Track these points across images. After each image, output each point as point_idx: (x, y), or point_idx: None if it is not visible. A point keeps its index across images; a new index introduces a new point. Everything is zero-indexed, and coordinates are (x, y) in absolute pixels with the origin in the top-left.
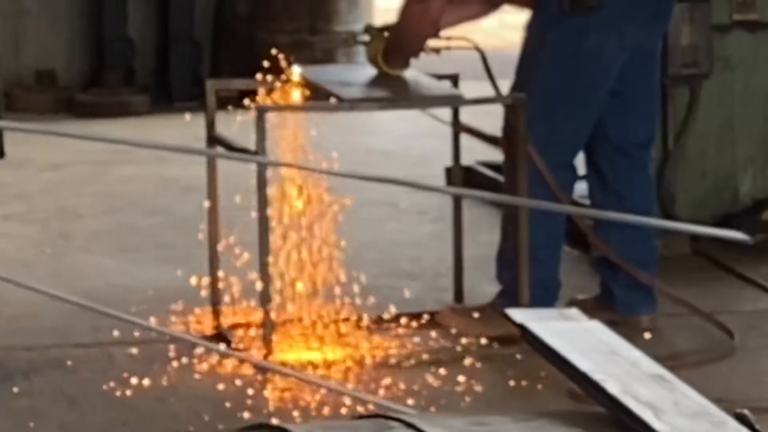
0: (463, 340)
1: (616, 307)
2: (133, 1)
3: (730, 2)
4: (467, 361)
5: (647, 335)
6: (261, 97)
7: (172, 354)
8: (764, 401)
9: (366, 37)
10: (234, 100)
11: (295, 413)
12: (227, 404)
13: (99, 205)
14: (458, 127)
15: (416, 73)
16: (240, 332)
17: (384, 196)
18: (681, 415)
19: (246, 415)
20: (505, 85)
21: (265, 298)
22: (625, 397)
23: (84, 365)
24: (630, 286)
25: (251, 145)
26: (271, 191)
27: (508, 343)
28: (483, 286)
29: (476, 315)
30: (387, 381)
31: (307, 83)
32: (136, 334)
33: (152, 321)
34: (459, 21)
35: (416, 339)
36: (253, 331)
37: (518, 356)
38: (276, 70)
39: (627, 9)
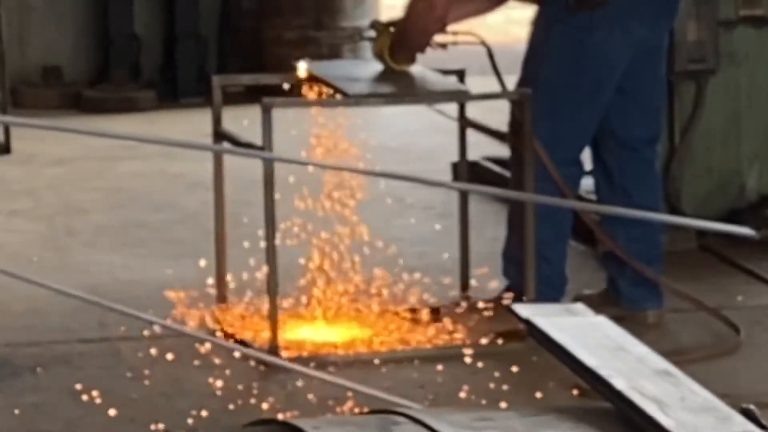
0: (470, 336)
1: (623, 302)
2: None
3: None
4: (473, 356)
5: (653, 330)
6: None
7: (178, 349)
8: None
9: (372, 33)
10: (240, 96)
11: (302, 409)
12: (233, 400)
13: (105, 201)
14: (464, 123)
15: (422, 68)
16: (246, 327)
17: (390, 192)
18: (687, 410)
19: (252, 410)
20: (511, 81)
21: (271, 294)
22: (631, 393)
23: (90, 361)
24: (636, 282)
25: (257, 140)
26: (278, 187)
27: (515, 338)
28: (489, 282)
29: (482, 310)
30: (393, 376)
31: (313, 79)
32: (143, 329)
33: (158, 316)
34: (465, 16)
35: (422, 334)
36: (259, 327)
37: (524, 351)
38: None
39: (632, 5)
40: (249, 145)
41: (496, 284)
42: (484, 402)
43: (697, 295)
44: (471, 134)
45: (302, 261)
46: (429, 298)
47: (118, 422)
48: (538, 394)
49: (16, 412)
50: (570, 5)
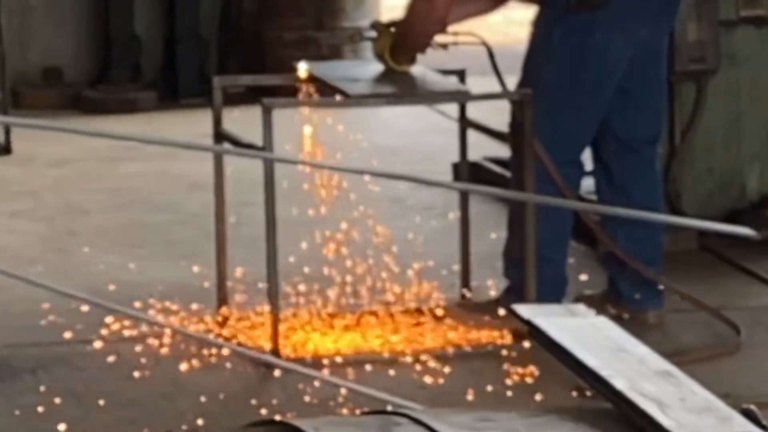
0: (470, 337)
1: (623, 303)
2: None
3: None
4: (474, 357)
5: (653, 331)
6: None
7: (178, 351)
8: None
9: (373, 33)
10: (241, 97)
11: (302, 410)
12: (234, 401)
13: (106, 202)
14: (465, 123)
15: (423, 68)
16: (247, 328)
17: (390, 192)
18: (687, 411)
19: (253, 411)
20: (512, 81)
21: (272, 295)
22: (631, 393)
23: (91, 362)
24: (637, 282)
25: (258, 141)
26: (279, 188)
27: (515, 339)
28: (490, 283)
29: (483, 311)
30: (393, 377)
31: (314, 79)
32: (143, 330)
33: (159, 317)
34: (465, 17)
35: (423, 335)
36: (259, 328)
37: (525, 352)
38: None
39: (633, 5)
40: (250, 146)
41: (497, 285)
42: (484, 402)
43: (697, 295)
44: (471, 135)
45: (303, 262)
46: (429, 299)
47: (119, 424)
48: (539, 395)
49: (17, 413)
50: (571, 6)
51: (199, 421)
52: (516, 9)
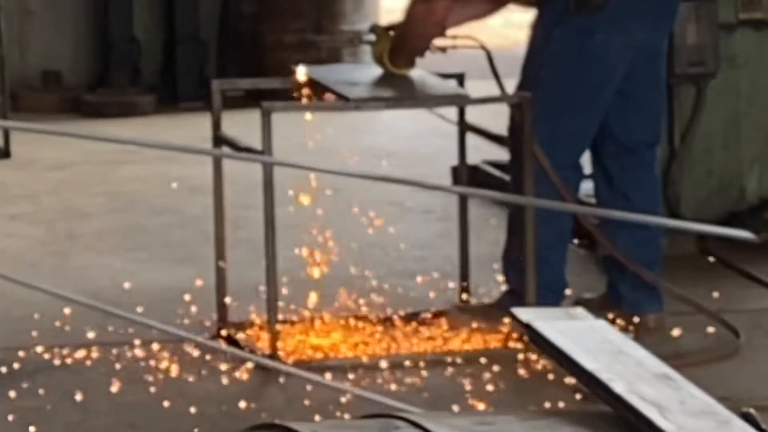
0: (470, 340)
1: (623, 305)
2: (139, 2)
3: (735, 1)
4: (473, 360)
5: (652, 334)
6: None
7: (178, 354)
8: None
9: (372, 37)
10: (240, 100)
11: (301, 413)
12: (233, 404)
13: (105, 205)
14: (464, 126)
15: (422, 72)
16: (246, 332)
17: (390, 196)
18: (687, 414)
19: (252, 415)
20: (511, 84)
21: (271, 298)
22: (630, 396)
23: (90, 366)
24: (636, 285)
25: (257, 144)
26: (277, 191)
27: (515, 342)
28: (489, 286)
29: (482, 314)
30: (393, 380)
31: (313, 83)
32: (142, 334)
33: (158, 321)
34: (464, 20)
35: (422, 338)
36: (258, 331)
37: (524, 355)
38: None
39: (632, 8)
40: (248, 149)
41: (496, 288)
42: (484, 406)
43: (696, 298)
44: (471, 138)
45: (302, 265)
46: (429, 302)
47: (118, 427)
48: (538, 398)
49: (16, 416)
50: (570, 8)
51: (199, 425)
52: (515, 12)
